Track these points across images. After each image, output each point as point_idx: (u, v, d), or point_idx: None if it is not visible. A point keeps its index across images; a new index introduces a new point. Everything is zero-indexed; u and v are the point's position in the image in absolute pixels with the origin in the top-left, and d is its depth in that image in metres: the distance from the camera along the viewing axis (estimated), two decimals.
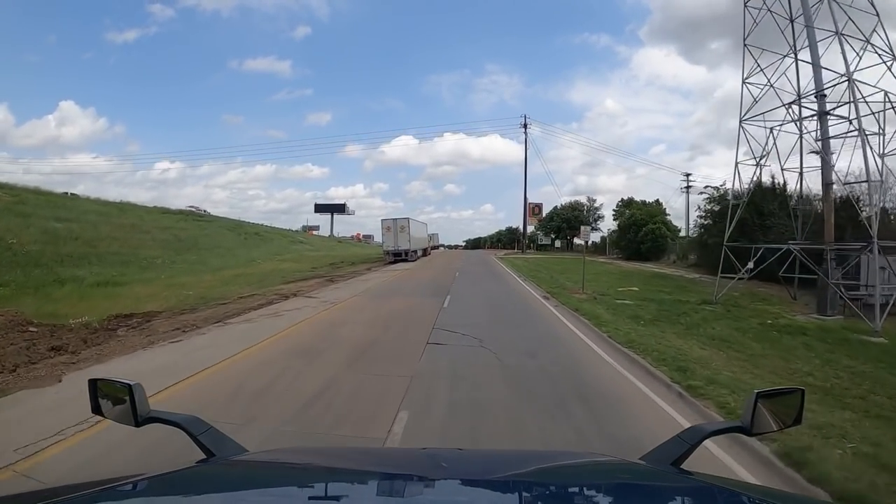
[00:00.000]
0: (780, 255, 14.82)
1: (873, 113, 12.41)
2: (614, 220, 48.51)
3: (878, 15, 13.22)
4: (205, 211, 57.65)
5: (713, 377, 6.00)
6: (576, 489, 1.15)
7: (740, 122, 14.77)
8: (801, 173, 16.20)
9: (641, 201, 45.61)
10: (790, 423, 1.31)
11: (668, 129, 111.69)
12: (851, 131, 13.28)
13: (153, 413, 1.32)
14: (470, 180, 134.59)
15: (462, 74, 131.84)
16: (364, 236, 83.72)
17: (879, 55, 12.80)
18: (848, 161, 17.45)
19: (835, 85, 12.99)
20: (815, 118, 14.45)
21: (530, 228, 53.69)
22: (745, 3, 15.16)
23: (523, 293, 14.53)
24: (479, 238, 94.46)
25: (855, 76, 12.27)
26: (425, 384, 5.34)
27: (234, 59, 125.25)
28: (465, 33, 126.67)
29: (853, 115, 12.29)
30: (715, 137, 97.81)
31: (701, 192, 25.65)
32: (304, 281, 18.85)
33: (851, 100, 12.16)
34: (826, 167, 13.55)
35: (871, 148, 12.24)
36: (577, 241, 53.59)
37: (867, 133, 11.84)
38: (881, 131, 12.53)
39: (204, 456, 1.25)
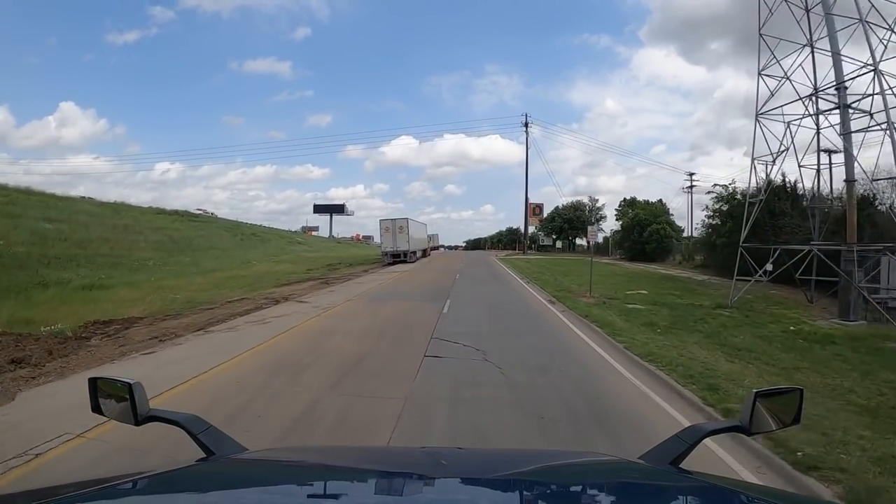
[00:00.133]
0: (795, 257, 14.09)
1: None
2: (616, 220, 47.73)
3: None
4: (211, 213, 57.19)
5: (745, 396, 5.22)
6: (575, 488, 1.15)
7: (756, 116, 14.01)
8: (818, 170, 15.44)
9: (644, 201, 44.84)
10: (789, 423, 1.30)
11: (668, 130, 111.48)
12: (873, 125, 12.55)
13: (153, 412, 1.31)
14: (470, 181, 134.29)
15: (462, 75, 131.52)
16: (364, 237, 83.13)
17: None
18: (864, 157, 16.74)
19: (859, 76, 12.24)
20: (829, 114, 13.75)
21: (531, 229, 52.90)
22: None
23: (527, 297, 13.75)
24: (480, 239, 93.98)
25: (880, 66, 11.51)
26: (421, 409, 4.59)
27: (234, 61, 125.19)
28: (465, 34, 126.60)
29: (878, 108, 11.55)
30: (715, 137, 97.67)
31: (708, 192, 24.89)
32: (298, 284, 18.10)
33: (878, 91, 11.39)
34: (849, 163, 12.78)
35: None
36: (583, 241, 53.00)
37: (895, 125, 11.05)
38: None
39: (204, 455, 1.24)
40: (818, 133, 14.74)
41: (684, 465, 1.24)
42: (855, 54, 12.90)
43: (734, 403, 5.11)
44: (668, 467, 1.23)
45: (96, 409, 1.37)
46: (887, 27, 12.23)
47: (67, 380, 5.97)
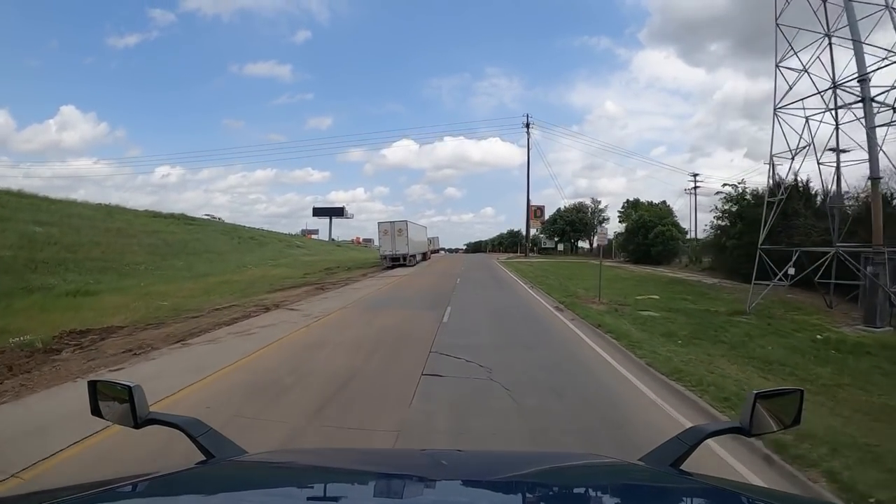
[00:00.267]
0: (811, 259, 13.32)
1: None
2: (620, 221, 46.96)
3: None
4: (219, 218, 56.62)
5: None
6: (576, 490, 1.15)
7: (774, 110, 13.26)
8: (837, 168, 14.65)
9: (648, 202, 44.07)
10: (789, 424, 1.29)
11: (668, 132, 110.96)
12: None
13: (152, 415, 1.31)
14: (470, 184, 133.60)
15: (462, 78, 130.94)
16: (364, 240, 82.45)
17: None
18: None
19: (883, 67, 11.49)
20: (850, 108, 13.00)
21: (532, 231, 52.08)
22: None
23: (533, 304, 12.97)
24: (480, 241, 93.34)
25: None
26: (416, 446, 3.81)
27: (234, 64, 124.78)
28: (464, 37, 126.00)
29: None
30: (715, 139, 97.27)
31: (717, 192, 24.08)
32: (292, 289, 17.33)
33: None
34: (873, 160, 12.01)
35: None
36: (585, 243, 52.20)
37: None
38: None
39: (203, 458, 1.23)
40: (837, 129, 14.00)
41: (685, 466, 1.23)
42: (876, 43, 12.19)
43: (782, 434, 4.38)
44: (668, 469, 1.21)
45: (96, 412, 1.37)
46: None
47: (22, 401, 5.29)
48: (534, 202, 50.26)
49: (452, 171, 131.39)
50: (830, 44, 13.72)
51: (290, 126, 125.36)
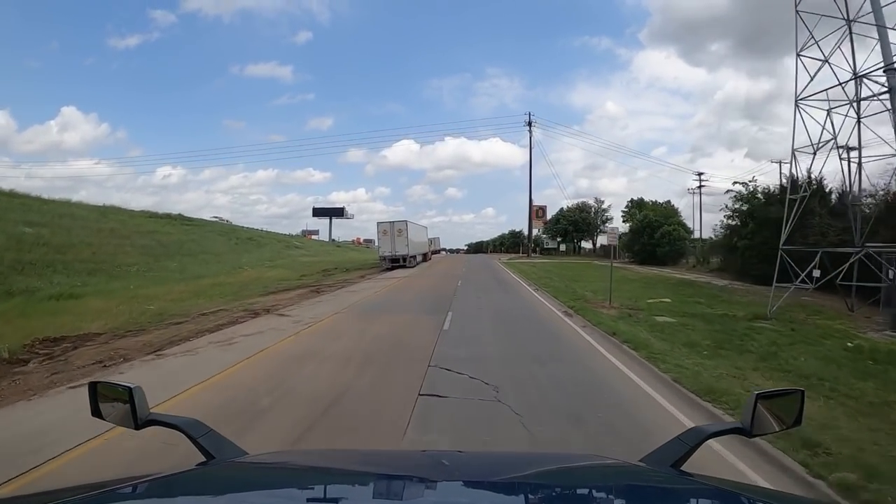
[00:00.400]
0: (836, 260, 12.55)
1: None
2: (623, 221, 46.18)
3: None
4: (227, 220, 56.10)
5: (861, 458, 3.84)
6: (577, 491, 1.15)
7: (796, 101, 12.47)
8: (859, 164, 13.87)
9: (652, 202, 43.28)
10: (791, 425, 1.28)
11: (668, 132, 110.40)
12: None
13: (153, 416, 1.30)
14: (471, 184, 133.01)
15: (463, 78, 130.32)
16: (365, 240, 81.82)
17: None
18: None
19: None
20: (863, 101, 12.24)
21: (535, 231, 51.27)
22: None
23: (539, 308, 12.19)
24: (482, 242, 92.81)
25: None
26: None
27: (235, 65, 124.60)
28: (465, 37, 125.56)
29: None
30: (715, 139, 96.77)
31: (728, 191, 23.28)
32: (286, 292, 16.60)
33: None
34: None
35: None
36: (589, 244, 51.36)
37: None
38: None
39: (204, 459, 1.23)
40: (859, 122, 13.22)
41: (685, 467, 1.22)
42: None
43: (848, 470, 3.68)
44: (669, 470, 1.20)
45: (96, 413, 1.35)
46: None
47: None
48: (535, 202, 49.54)
49: (453, 171, 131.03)
50: (851, 32, 12.95)
51: (291, 127, 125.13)
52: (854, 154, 13.72)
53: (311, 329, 8.93)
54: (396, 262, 28.69)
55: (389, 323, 9.42)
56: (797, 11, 12.75)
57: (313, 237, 74.19)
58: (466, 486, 1.09)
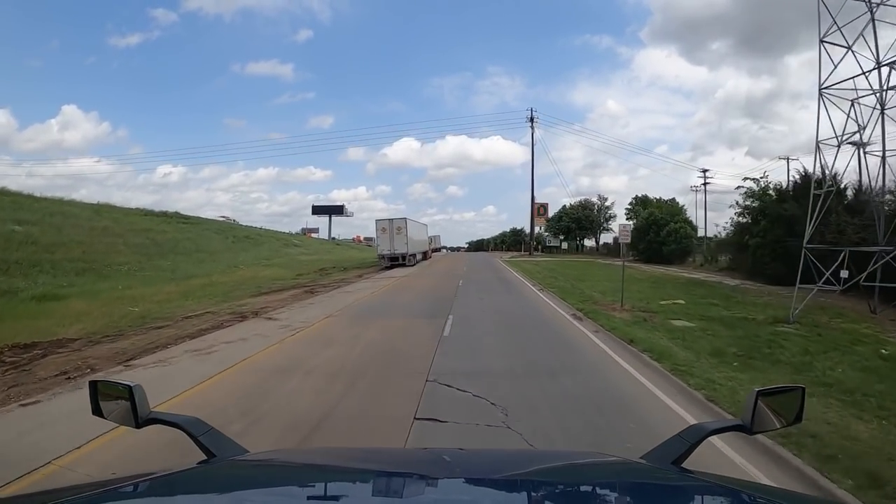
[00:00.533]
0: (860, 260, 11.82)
1: None
2: (627, 218, 45.36)
3: None
4: (234, 220, 55.52)
5: None
6: (578, 488, 1.15)
7: (819, 90, 11.69)
8: (883, 158, 13.10)
9: (657, 199, 42.48)
10: (791, 422, 1.28)
11: (669, 130, 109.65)
12: None
13: (153, 414, 1.29)
14: (472, 182, 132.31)
15: (464, 76, 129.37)
16: (365, 238, 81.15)
17: None
18: None
19: None
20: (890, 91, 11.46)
21: (536, 229, 50.45)
22: None
23: (546, 311, 11.44)
24: (482, 240, 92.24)
25: None
26: None
27: (236, 63, 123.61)
28: (466, 36, 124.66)
29: None
30: (716, 138, 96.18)
31: (738, 187, 22.49)
32: (279, 293, 15.87)
33: None
34: None
35: None
36: (592, 242, 50.53)
37: None
38: None
39: (205, 457, 1.22)
40: (883, 114, 12.45)
41: (686, 464, 1.21)
42: None
43: None
44: (669, 467, 1.20)
45: (97, 411, 1.34)
46: None
47: None
48: (536, 200, 48.72)
49: (454, 169, 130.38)
50: (873, 17, 12.16)
51: (292, 125, 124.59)
52: (873, 147, 12.97)
53: (300, 335, 8.19)
54: (395, 261, 27.94)
55: (385, 328, 8.68)
56: None
57: (313, 235, 73.56)
58: (468, 483, 1.09)
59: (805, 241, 11.57)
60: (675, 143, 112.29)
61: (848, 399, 5.74)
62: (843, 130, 11.96)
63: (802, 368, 6.92)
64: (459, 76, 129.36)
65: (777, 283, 18.73)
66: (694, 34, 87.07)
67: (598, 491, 1.11)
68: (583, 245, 52.03)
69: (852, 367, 7.29)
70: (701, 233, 34.72)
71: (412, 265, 28.85)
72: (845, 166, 13.34)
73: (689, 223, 32.42)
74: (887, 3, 11.80)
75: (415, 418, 4.33)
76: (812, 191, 11.82)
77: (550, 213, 51.94)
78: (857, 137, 11.82)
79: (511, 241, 68.88)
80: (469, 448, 1.58)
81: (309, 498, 1.05)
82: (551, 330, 8.74)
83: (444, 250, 68.02)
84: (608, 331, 8.30)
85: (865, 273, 11.03)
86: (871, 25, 12.16)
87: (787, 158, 31.85)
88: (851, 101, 12.12)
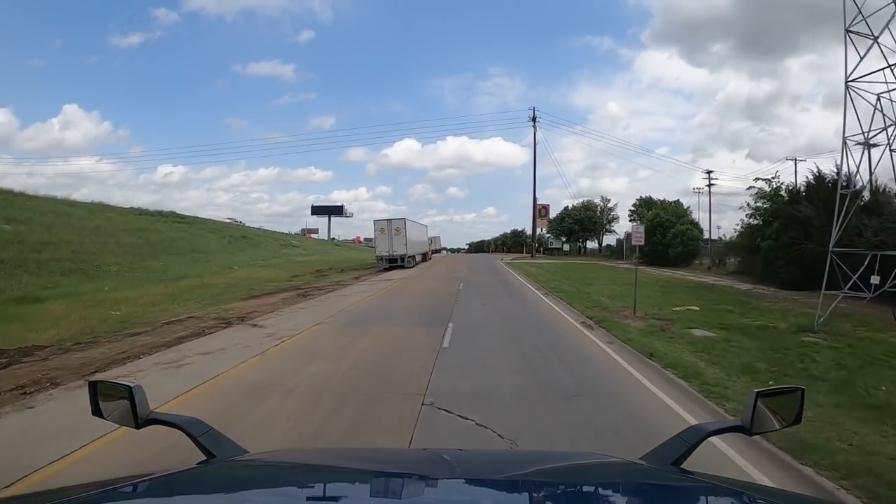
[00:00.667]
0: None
1: None
2: (631, 220, 44.65)
3: None
4: (240, 222, 54.97)
5: None
6: (577, 489, 1.15)
7: (846, 83, 10.95)
8: None
9: (661, 201, 41.74)
10: (791, 423, 1.28)
11: (670, 132, 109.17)
12: None
13: (153, 415, 1.30)
14: (473, 183, 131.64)
15: (465, 77, 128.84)
16: (365, 239, 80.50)
17: None
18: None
19: None
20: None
21: (538, 231, 49.66)
22: None
23: (553, 318, 10.68)
24: (483, 241, 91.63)
25: None
26: None
27: (237, 63, 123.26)
28: (467, 37, 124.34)
29: None
30: (717, 140, 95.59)
31: (750, 187, 21.73)
32: (271, 295, 15.14)
33: None
34: None
35: None
36: (594, 243, 49.76)
37: None
38: None
39: (204, 457, 1.22)
40: None
41: (685, 465, 1.21)
42: None
43: None
44: (669, 468, 1.19)
45: (97, 412, 1.34)
46: None
47: None
48: (538, 201, 47.90)
49: (455, 170, 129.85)
50: None
51: (293, 125, 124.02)
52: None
53: (285, 346, 7.44)
54: (394, 263, 27.20)
55: (378, 337, 7.93)
56: None
57: (312, 236, 72.99)
58: (468, 483, 1.08)
59: (831, 244, 10.80)
60: (675, 145, 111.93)
61: None
62: (870, 125, 11.22)
63: (842, 386, 6.16)
64: (460, 77, 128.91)
65: (791, 288, 17.98)
66: (695, 36, 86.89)
67: (598, 491, 1.12)
68: (585, 247, 51.26)
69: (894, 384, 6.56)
70: (706, 235, 34.12)
71: (411, 267, 28.11)
72: (857, 166, 12.66)
73: (696, 225, 31.67)
74: None
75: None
76: (839, 190, 11.04)
77: (551, 215, 51.26)
78: (893, 132, 11.05)
79: (512, 243, 68.19)
80: (469, 449, 1.59)
81: (308, 499, 1.04)
82: (561, 341, 7.98)
83: (445, 251, 67.34)
84: (623, 342, 7.55)
85: (893, 278, 10.25)
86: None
87: (795, 159, 31.18)
88: (878, 94, 11.40)
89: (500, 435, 3.96)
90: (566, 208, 50.90)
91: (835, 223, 10.81)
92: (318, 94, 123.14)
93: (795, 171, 29.25)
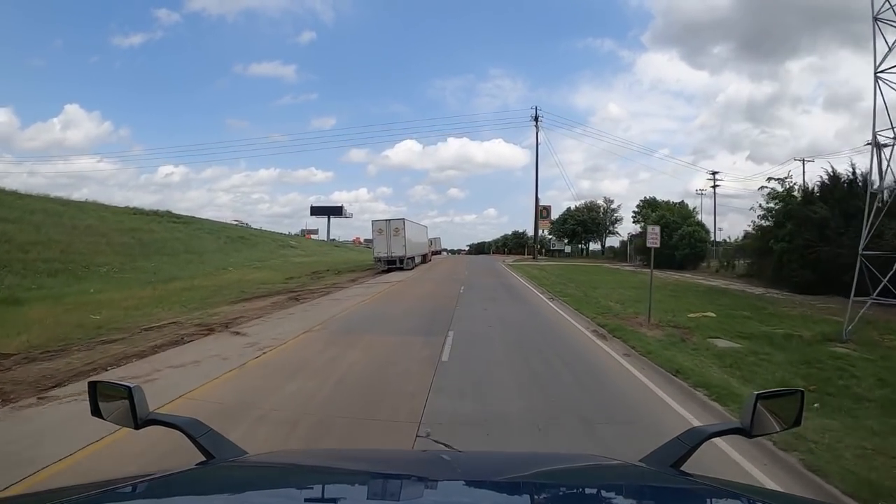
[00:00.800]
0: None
1: None
2: (634, 221, 43.97)
3: None
4: (246, 224, 54.44)
5: None
6: (576, 491, 1.15)
7: (875, 74, 10.20)
8: None
9: (666, 202, 41.00)
10: (790, 425, 1.28)
11: (671, 134, 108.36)
12: None
13: (153, 415, 1.30)
14: (473, 184, 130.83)
15: (466, 79, 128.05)
16: (365, 240, 79.86)
17: None
18: None
19: None
20: None
21: (540, 232, 48.89)
22: None
23: (562, 326, 9.92)
24: (483, 242, 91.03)
25: None
26: None
27: (238, 64, 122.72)
28: (469, 38, 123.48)
29: None
30: (717, 141, 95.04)
31: (761, 187, 20.98)
32: (262, 299, 14.40)
33: None
34: None
35: None
36: (597, 245, 48.99)
37: None
38: None
39: (203, 458, 1.22)
40: None
41: (685, 467, 1.20)
42: None
43: None
44: (668, 470, 1.19)
45: (96, 412, 1.34)
46: None
47: None
48: (540, 202, 47.13)
49: (455, 171, 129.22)
50: None
51: (294, 126, 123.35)
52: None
53: (266, 358, 6.70)
54: (393, 264, 26.46)
55: (370, 349, 7.19)
56: None
57: (312, 237, 72.39)
58: (468, 485, 1.08)
59: (861, 246, 10.05)
60: (676, 147, 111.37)
61: None
62: None
63: (891, 407, 5.43)
64: (461, 78, 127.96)
65: (805, 292, 17.23)
66: (695, 38, 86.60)
67: (598, 493, 1.11)
68: (587, 249, 50.48)
69: None
70: (712, 237, 33.37)
71: (410, 269, 27.37)
72: (888, 162, 11.92)
73: (703, 226, 30.94)
74: None
75: None
76: (869, 189, 10.30)
77: (553, 216, 50.51)
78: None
79: (513, 244, 67.46)
80: (468, 451, 1.46)
81: (308, 500, 1.04)
82: (573, 353, 7.22)
83: (445, 253, 66.68)
84: (642, 355, 6.80)
85: None
86: None
87: (804, 160, 30.47)
88: None
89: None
90: (568, 209, 50.20)
91: (864, 224, 10.05)
92: (319, 94, 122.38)
93: (803, 172, 28.56)
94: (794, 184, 20.00)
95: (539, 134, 43.24)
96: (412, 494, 0.99)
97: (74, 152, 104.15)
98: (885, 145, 10.94)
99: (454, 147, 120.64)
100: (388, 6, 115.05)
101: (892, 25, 10.53)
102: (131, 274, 21.78)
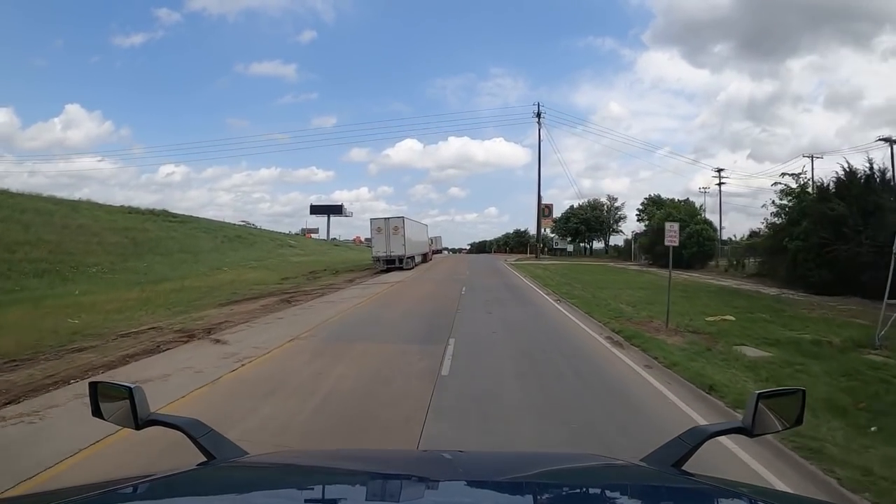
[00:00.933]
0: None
1: None
2: (638, 220, 43.21)
3: None
4: (253, 225, 54.02)
5: None
6: (578, 490, 1.14)
7: None
8: None
9: (671, 200, 40.22)
10: (792, 424, 1.26)
11: (672, 132, 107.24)
12: None
13: (153, 416, 1.28)
14: (474, 184, 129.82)
15: (467, 78, 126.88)
16: (365, 239, 79.22)
17: None
18: None
19: None
20: None
21: (542, 231, 48.11)
22: None
23: (572, 332, 9.17)
24: (485, 241, 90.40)
25: None
26: None
27: (239, 63, 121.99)
28: (469, 37, 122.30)
29: None
30: (718, 140, 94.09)
31: (775, 184, 20.19)
32: (252, 301, 13.70)
33: None
34: None
35: None
36: (601, 243, 48.22)
37: None
38: None
39: (204, 459, 1.21)
40: None
41: (686, 467, 1.20)
42: None
43: None
44: (670, 469, 1.18)
45: (97, 413, 1.33)
46: None
47: None
48: (542, 201, 46.33)
49: (456, 170, 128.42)
50: None
51: (295, 125, 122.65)
52: None
53: (244, 371, 5.98)
54: (392, 264, 25.75)
55: (361, 360, 6.46)
56: None
57: (312, 236, 71.77)
58: (469, 485, 1.08)
59: None
60: (677, 146, 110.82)
61: None
62: None
63: None
64: (462, 77, 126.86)
65: (822, 293, 16.50)
66: (696, 37, 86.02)
67: (599, 493, 1.12)
68: (590, 247, 49.71)
69: None
70: (718, 235, 32.58)
71: (410, 268, 26.66)
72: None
73: (710, 224, 30.16)
74: None
75: None
76: None
77: (555, 215, 49.76)
78: None
79: (514, 243, 66.76)
80: (469, 451, 1.49)
81: (308, 500, 1.04)
82: (588, 364, 6.48)
83: (446, 252, 66.03)
84: (667, 367, 6.06)
85: None
86: None
87: (812, 156, 29.63)
88: None
89: None
90: (571, 207, 49.42)
91: None
92: (320, 94, 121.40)
93: (812, 169, 27.78)
94: (808, 180, 19.23)
95: (541, 131, 42.46)
96: (413, 495, 0.98)
97: (75, 152, 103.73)
98: None
99: (455, 146, 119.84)
100: (388, 5, 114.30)
101: None
102: (121, 274, 21.12)
